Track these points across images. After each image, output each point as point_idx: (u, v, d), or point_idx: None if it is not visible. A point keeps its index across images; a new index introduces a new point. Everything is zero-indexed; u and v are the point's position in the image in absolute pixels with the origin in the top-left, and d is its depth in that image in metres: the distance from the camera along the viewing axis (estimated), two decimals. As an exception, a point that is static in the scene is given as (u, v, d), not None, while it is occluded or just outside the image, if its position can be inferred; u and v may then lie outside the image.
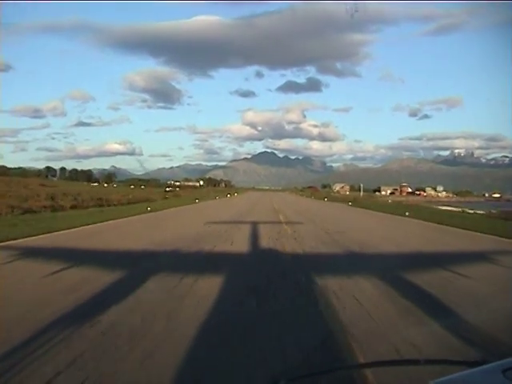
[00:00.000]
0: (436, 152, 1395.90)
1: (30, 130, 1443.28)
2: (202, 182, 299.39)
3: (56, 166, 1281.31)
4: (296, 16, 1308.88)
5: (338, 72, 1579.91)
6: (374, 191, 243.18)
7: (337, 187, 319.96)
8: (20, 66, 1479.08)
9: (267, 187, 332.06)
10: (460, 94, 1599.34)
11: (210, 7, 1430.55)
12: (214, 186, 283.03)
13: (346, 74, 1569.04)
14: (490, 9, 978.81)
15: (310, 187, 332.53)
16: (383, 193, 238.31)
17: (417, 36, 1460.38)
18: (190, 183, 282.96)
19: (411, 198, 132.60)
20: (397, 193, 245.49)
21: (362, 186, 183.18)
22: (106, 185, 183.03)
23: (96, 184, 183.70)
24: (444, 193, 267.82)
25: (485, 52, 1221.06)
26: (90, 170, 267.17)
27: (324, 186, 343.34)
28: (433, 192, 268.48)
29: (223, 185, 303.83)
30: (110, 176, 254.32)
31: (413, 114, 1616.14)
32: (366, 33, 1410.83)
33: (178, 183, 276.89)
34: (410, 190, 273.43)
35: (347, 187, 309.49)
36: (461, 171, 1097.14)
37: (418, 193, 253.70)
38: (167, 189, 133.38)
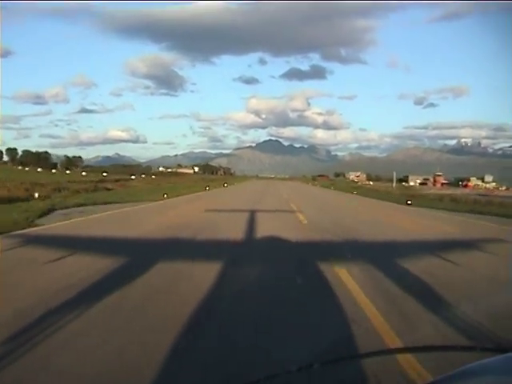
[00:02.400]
0: (441, 141, 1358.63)
1: (32, 116, 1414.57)
2: (196, 169, 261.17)
3: (59, 153, 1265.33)
4: (299, 1, 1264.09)
5: (343, 59, 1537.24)
6: (401, 181, 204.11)
7: (351, 176, 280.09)
8: (21, 51, 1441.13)
9: (272, 175, 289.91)
10: (467, 82, 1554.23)
11: None
12: (212, 173, 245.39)
13: (350, 60, 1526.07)
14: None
15: (320, 176, 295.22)
16: (411, 183, 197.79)
17: (423, 22, 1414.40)
18: (184, 170, 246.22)
19: (460, 191, 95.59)
20: (429, 183, 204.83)
21: (395, 174, 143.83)
22: (68, 171, 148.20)
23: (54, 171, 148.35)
24: (493, 184, 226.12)
25: (493, 40, 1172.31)
26: (47, 153, 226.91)
27: (337, 175, 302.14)
28: (480, 183, 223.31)
29: (222, 172, 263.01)
30: (70, 161, 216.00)
31: (418, 103, 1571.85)
32: (370, 18, 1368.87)
33: (169, 170, 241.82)
34: (444, 180, 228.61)
35: (363, 176, 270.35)
36: (469, 161, 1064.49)
37: (464, 184, 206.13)
38: (132, 176, 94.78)
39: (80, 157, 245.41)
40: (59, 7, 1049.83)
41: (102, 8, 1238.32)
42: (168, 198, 32.76)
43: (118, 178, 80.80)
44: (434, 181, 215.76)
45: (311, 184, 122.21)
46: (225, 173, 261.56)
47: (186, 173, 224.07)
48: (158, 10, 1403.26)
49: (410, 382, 4.30)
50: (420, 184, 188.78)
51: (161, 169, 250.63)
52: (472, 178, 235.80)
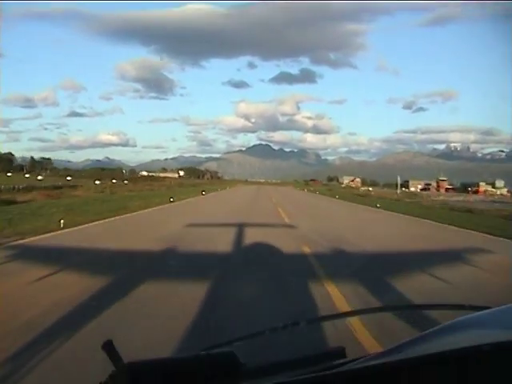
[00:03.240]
0: (431, 145, 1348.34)
1: (22, 119, 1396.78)
2: (182, 173, 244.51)
3: (49, 156, 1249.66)
4: (289, 5, 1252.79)
5: (332, 63, 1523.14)
6: (401, 186, 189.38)
7: (345, 180, 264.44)
8: (10, 54, 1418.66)
9: (262, 180, 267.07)
10: (455, 86, 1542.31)
11: None
12: (198, 177, 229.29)
13: (340, 64, 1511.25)
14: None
15: (312, 180, 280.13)
16: (412, 189, 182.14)
17: (412, 26, 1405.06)
18: (169, 174, 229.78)
19: (472, 198, 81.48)
20: (432, 189, 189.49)
21: (399, 179, 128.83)
22: (27, 175, 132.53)
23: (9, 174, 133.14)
24: (505, 189, 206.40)
25: (481, 44, 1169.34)
26: (11, 154, 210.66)
27: (330, 179, 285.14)
28: (489, 188, 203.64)
29: (209, 176, 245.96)
30: (35, 164, 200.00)
31: (407, 107, 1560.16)
32: (359, 22, 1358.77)
33: (152, 174, 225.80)
34: (448, 185, 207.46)
35: (358, 180, 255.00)
36: (458, 165, 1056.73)
37: (474, 190, 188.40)
38: (96, 182, 79.40)
39: (49, 158, 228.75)
40: (47, 9, 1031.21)
41: (90, 11, 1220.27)
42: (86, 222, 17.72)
43: (72, 184, 66.36)
44: (438, 186, 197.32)
45: (306, 190, 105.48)
46: (212, 177, 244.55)
47: (170, 177, 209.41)
48: (146, 12, 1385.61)
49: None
50: (421, 190, 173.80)
51: (143, 173, 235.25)
52: (481, 184, 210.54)
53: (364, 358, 1.13)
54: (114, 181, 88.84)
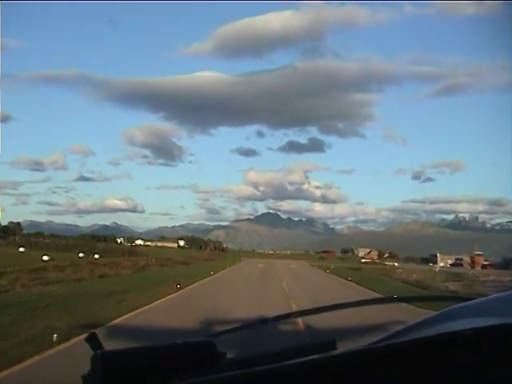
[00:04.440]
0: (439, 215, 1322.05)
1: (30, 182, 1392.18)
2: (181, 243, 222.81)
3: (58, 220, 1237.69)
4: (297, 74, 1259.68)
5: (341, 132, 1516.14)
6: (427, 261, 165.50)
7: (361, 252, 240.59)
8: (19, 117, 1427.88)
9: (271, 251, 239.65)
10: (463, 157, 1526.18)
11: (211, 63, 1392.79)
12: (201, 248, 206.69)
13: (348, 134, 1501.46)
14: (495, 70, 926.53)
15: (324, 252, 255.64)
16: (441, 264, 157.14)
17: (420, 97, 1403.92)
18: (167, 244, 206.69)
19: None
20: (466, 264, 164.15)
21: (439, 256, 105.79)
22: None
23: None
24: None
25: (489, 114, 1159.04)
26: None
27: (345, 251, 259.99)
28: None
29: (212, 247, 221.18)
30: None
31: (416, 177, 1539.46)
32: (368, 92, 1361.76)
33: (148, 243, 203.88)
34: (484, 261, 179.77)
35: (375, 253, 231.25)
36: (467, 236, 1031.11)
37: None
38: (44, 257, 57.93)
39: (19, 223, 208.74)
40: (56, 73, 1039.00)
41: (98, 76, 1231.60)
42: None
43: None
44: (473, 262, 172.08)
45: (327, 271, 75.46)
46: (215, 247, 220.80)
47: (169, 247, 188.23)
48: (155, 79, 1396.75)
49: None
50: (451, 265, 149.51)
51: (139, 242, 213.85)
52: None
53: (356, 349, 1.13)
54: (95, 256, 67.51)
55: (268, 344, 7.98)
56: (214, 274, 47.16)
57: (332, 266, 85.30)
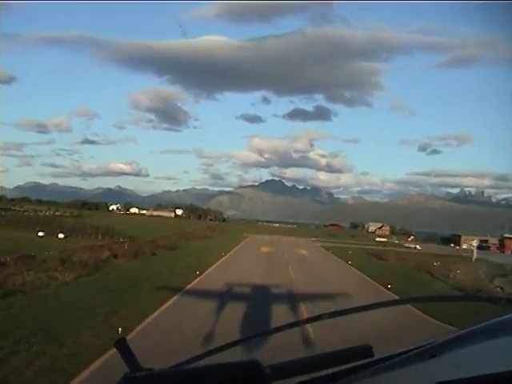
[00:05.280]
0: (444, 189, 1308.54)
1: (34, 144, 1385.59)
2: (179, 212, 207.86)
3: (62, 182, 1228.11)
4: (305, 41, 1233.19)
5: (347, 101, 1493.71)
6: (448, 242, 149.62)
7: (371, 227, 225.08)
8: (24, 79, 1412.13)
9: (276, 223, 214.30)
10: (470, 130, 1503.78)
11: (217, 27, 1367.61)
12: (200, 217, 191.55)
13: (355, 103, 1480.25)
14: (506, 42, 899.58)
15: (332, 225, 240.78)
16: (465, 246, 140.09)
17: (429, 67, 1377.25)
18: (163, 212, 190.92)
19: None
20: (493, 248, 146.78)
21: (476, 244, 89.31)
22: None
23: None
24: None
25: (498, 88, 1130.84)
26: None
27: (354, 226, 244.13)
28: None
29: (212, 216, 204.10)
30: None
31: (422, 149, 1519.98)
32: (376, 61, 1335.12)
33: (144, 211, 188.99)
34: None
35: (387, 228, 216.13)
36: (472, 210, 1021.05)
37: None
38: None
39: None
40: (62, 35, 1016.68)
41: (104, 38, 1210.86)
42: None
43: None
44: (502, 245, 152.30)
45: (353, 265, 58.02)
46: (216, 217, 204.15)
47: (164, 216, 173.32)
48: (161, 42, 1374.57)
49: None
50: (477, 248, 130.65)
51: (133, 210, 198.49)
52: None
53: (392, 357, 1.05)
54: (60, 236, 53.55)
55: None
56: (200, 273, 32.74)
57: (350, 252, 70.99)
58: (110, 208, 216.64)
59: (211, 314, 17.62)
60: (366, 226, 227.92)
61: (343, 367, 1.36)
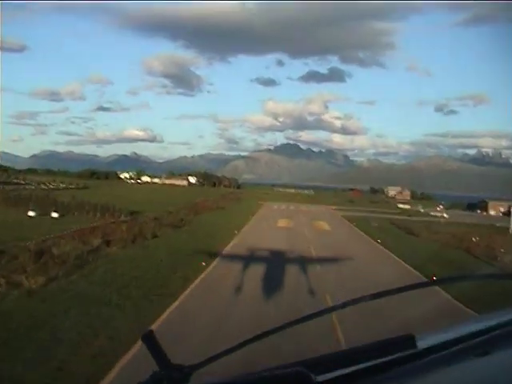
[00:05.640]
0: (461, 150, 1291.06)
1: (49, 113, 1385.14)
2: (192, 180, 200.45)
3: (77, 150, 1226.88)
4: (318, 2, 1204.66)
5: (361, 62, 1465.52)
6: (474, 207, 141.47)
7: (391, 191, 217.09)
8: (36, 47, 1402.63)
9: (292, 188, 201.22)
10: (487, 90, 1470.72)
11: None
12: (214, 185, 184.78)
13: (369, 64, 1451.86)
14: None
15: (351, 190, 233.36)
16: (492, 212, 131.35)
17: (445, 26, 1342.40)
18: (176, 181, 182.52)
19: None
20: None
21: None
22: None
23: None
24: None
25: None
26: None
27: (374, 191, 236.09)
28: None
29: (226, 183, 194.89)
30: None
31: (438, 109, 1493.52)
32: (389, 21, 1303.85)
33: (156, 180, 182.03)
34: None
35: (407, 193, 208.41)
36: (490, 172, 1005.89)
37: None
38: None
39: None
40: (74, 1, 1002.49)
41: (117, 3, 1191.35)
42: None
43: None
44: None
45: (386, 246, 50.45)
46: (230, 184, 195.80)
47: (177, 185, 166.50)
48: (173, 6, 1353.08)
49: None
50: (503, 214, 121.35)
51: (145, 178, 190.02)
52: None
53: (437, 349, 1.03)
54: (53, 215, 47.85)
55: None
56: (206, 265, 26.92)
57: (375, 225, 64.80)
58: (122, 176, 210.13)
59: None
60: (385, 191, 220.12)
61: (385, 359, 1.27)
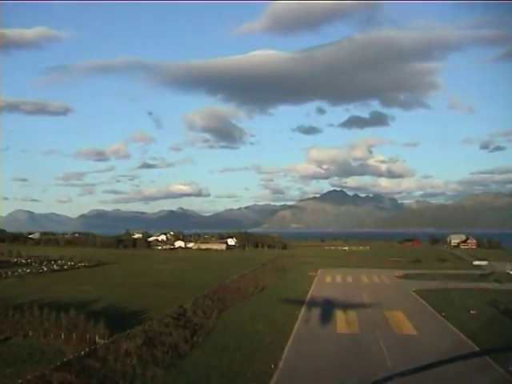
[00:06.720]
0: (510, 186, 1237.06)
1: (94, 172, 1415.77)
2: (232, 241, 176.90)
3: (124, 208, 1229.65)
4: (354, 47, 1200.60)
5: (404, 104, 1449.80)
6: None
7: (454, 240, 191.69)
8: (79, 109, 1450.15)
9: (345, 247, 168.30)
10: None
11: (266, 41, 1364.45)
12: (257, 246, 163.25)
13: (411, 105, 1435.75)
14: None
15: (408, 240, 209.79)
16: None
17: (484, 61, 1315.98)
18: (212, 244, 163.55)
19: None
20: None
21: None
22: None
23: None
24: None
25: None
26: None
27: (434, 240, 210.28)
28: None
29: (271, 243, 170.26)
30: None
31: (484, 147, 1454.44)
32: (429, 61, 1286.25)
33: (190, 245, 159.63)
34: None
35: (473, 242, 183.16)
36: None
37: None
38: None
39: None
40: (113, 63, 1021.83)
41: (154, 61, 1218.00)
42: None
43: None
44: None
45: None
46: (274, 243, 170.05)
47: (215, 249, 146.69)
48: (210, 61, 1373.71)
49: None
50: None
51: (178, 244, 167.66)
52: None
53: None
54: None
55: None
56: None
57: (473, 312, 44.36)
58: (159, 238, 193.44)
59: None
60: (448, 240, 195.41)
61: None
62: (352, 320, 42.18)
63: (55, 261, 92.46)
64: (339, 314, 44.64)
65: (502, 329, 37.88)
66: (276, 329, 37.71)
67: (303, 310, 47.75)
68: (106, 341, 30.54)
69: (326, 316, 43.92)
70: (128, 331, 32.80)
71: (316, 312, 46.59)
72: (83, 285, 61.77)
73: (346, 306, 48.38)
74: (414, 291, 62.43)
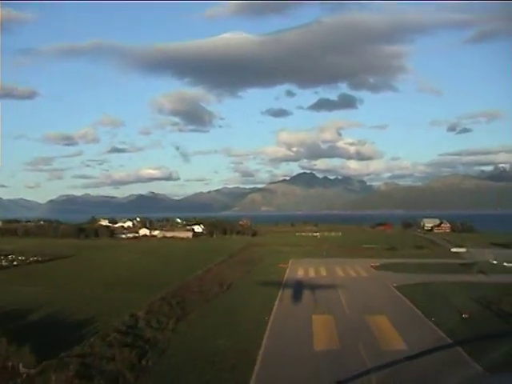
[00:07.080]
0: (478, 167, 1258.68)
1: (63, 157, 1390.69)
2: (199, 229, 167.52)
3: (94, 192, 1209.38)
4: (323, 30, 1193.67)
5: (372, 87, 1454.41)
6: None
7: (428, 224, 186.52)
8: (45, 92, 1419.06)
9: (317, 233, 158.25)
10: (499, 105, 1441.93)
11: (234, 24, 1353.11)
12: (225, 233, 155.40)
13: (380, 88, 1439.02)
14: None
15: (380, 225, 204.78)
16: None
17: (452, 45, 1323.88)
18: (178, 232, 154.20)
19: None
20: None
21: None
22: None
23: None
24: None
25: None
26: None
27: (408, 225, 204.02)
28: None
29: (240, 229, 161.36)
30: None
31: (451, 129, 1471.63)
32: (398, 44, 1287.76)
33: (155, 233, 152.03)
34: None
35: (447, 225, 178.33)
36: (509, 188, 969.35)
37: None
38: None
39: None
40: (80, 46, 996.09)
41: (122, 44, 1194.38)
42: None
43: None
44: None
45: None
46: (244, 230, 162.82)
47: (181, 238, 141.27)
48: (178, 44, 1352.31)
49: None
50: None
51: (143, 231, 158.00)
52: None
53: None
54: None
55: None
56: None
57: (466, 316, 38.21)
58: (118, 225, 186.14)
59: None
60: (422, 223, 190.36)
61: None
62: (331, 331, 35.37)
63: (6, 255, 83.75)
64: (316, 323, 37.85)
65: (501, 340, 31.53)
66: (242, 346, 30.74)
67: (273, 314, 40.79)
68: (33, 370, 24.08)
69: (301, 326, 37.06)
70: (62, 355, 26.22)
71: (288, 321, 39.60)
72: (28, 285, 54.41)
73: (322, 312, 41.49)
74: (394, 287, 56.05)
